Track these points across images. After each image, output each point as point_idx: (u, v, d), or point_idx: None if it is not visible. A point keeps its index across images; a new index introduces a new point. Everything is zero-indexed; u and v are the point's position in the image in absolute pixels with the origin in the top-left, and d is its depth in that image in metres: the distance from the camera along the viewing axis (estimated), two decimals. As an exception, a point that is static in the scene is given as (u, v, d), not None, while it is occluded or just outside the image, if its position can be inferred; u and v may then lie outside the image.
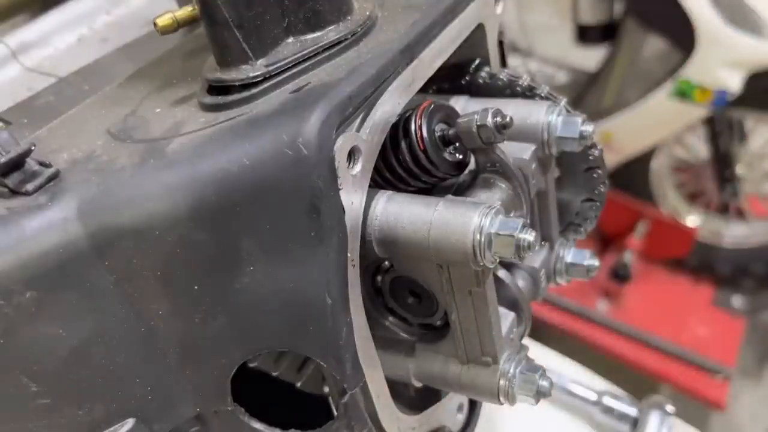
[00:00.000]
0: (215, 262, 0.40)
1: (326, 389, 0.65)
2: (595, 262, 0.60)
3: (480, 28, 0.55)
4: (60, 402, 0.43)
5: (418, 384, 0.53)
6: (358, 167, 0.39)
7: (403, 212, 0.42)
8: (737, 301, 2.16)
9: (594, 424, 0.93)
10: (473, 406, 0.61)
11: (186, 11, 0.46)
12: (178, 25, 0.46)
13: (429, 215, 0.41)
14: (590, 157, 0.56)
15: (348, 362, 0.40)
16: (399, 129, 0.46)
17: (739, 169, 2.13)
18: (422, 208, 0.42)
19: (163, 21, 0.46)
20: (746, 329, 1.86)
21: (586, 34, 2.21)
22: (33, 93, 0.65)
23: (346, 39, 0.45)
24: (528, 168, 0.52)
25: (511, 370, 0.48)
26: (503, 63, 0.61)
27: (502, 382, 0.48)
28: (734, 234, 2.22)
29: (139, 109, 0.50)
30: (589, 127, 0.52)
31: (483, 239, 0.39)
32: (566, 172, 0.59)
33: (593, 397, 0.93)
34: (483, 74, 0.58)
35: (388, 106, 0.42)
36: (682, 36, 1.85)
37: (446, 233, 0.40)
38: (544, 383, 0.48)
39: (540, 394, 0.48)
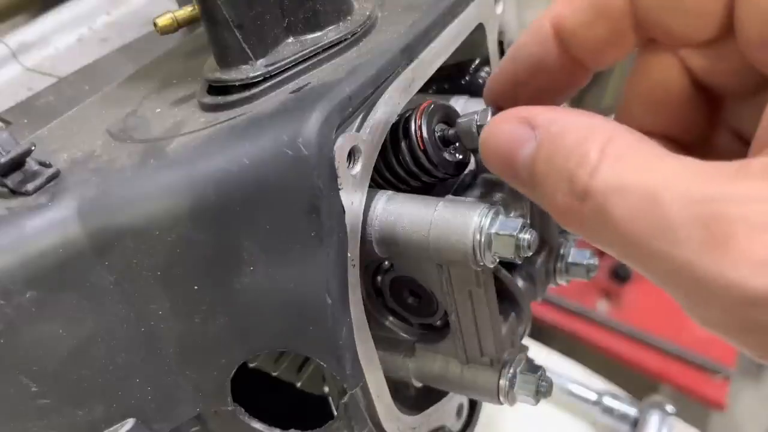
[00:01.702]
0: (215, 262, 0.40)
1: (326, 389, 0.65)
2: (595, 262, 0.60)
3: (480, 28, 0.55)
4: (60, 402, 0.43)
5: (418, 384, 0.53)
6: (358, 167, 0.39)
7: (403, 212, 0.42)
8: (737, 301, 2.15)
9: (594, 424, 0.93)
10: (473, 406, 0.61)
11: (186, 11, 0.46)
12: (178, 25, 0.46)
13: (429, 215, 0.41)
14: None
15: (348, 362, 0.40)
16: (399, 129, 0.46)
17: (739, 169, 2.13)
18: (422, 208, 0.42)
19: (163, 21, 0.46)
20: (746, 329, 1.86)
21: (586, 34, 2.20)
22: (33, 93, 0.65)
23: (346, 39, 0.45)
24: (528, 168, 0.52)
25: (511, 370, 0.48)
26: (503, 63, 0.61)
27: (502, 382, 0.48)
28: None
29: (139, 109, 0.50)
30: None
31: (483, 239, 0.39)
32: (566, 172, 0.59)
33: (593, 397, 0.93)
34: (483, 74, 0.58)
35: (388, 106, 0.42)
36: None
37: (446, 233, 0.40)
38: (544, 383, 0.48)
39: (540, 394, 0.48)
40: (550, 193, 0.30)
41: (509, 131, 0.33)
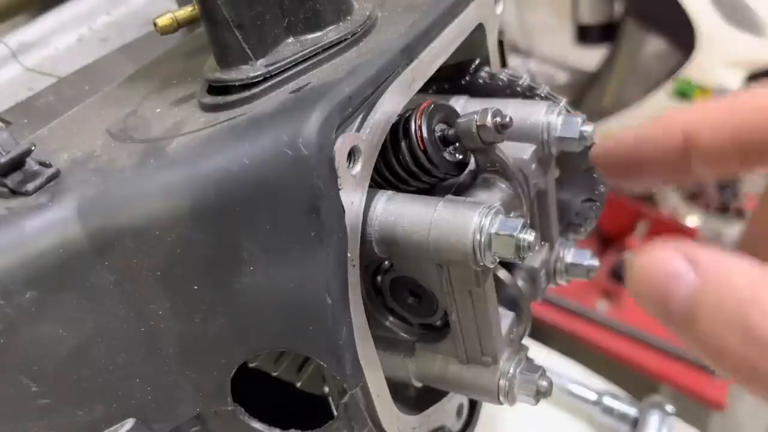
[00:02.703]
0: (215, 262, 0.40)
1: (326, 389, 0.65)
2: (595, 263, 0.60)
3: (480, 28, 0.55)
4: (60, 402, 0.43)
5: (418, 384, 0.53)
6: (358, 167, 0.39)
7: (403, 212, 0.42)
8: (737, 301, 2.14)
9: (594, 425, 0.93)
10: (473, 406, 0.61)
11: (186, 11, 0.46)
12: (178, 25, 0.46)
13: (429, 215, 0.41)
14: (590, 157, 0.56)
15: (348, 362, 0.40)
16: (399, 129, 0.46)
17: (740, 169, 2.13)
18: (422, 208, 0.42)
19: (163, 21, 0.46)
20: (746, 329, 1.86)
21: (586, 34, 2.21)
22: (33, 93, 0.65)
23: (346, 39, 0.45)
24: (528, 168, 0.52)
25: (511, 370, 0.48)
26: (503, 63, 0.61)
27: (502, 382, 0.48)
28: (734, 234, 2.22)
29: (139, 109, 0.50)
30: (588, 127, 0.52)
31: (483, 239, 0.39)
32: (566, 172, 0.59)
33: (593, 397, 0.93)
34: (483, 74, 0.58)
35: (388, 106, 0.42)
36: (682, 36, 1.85)
37: (446, 233, 0.40)
38: (544, 383, 0.48)
39: (540, 394, 0.48)
40: (716, 339, 0.29)
41: (667, 263, 0.31)
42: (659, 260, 0.31)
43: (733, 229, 2.22)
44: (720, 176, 0.35)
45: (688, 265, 0.30)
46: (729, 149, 0.33)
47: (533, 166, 0.52)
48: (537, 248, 0.56)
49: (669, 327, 0.32)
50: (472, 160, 0.49)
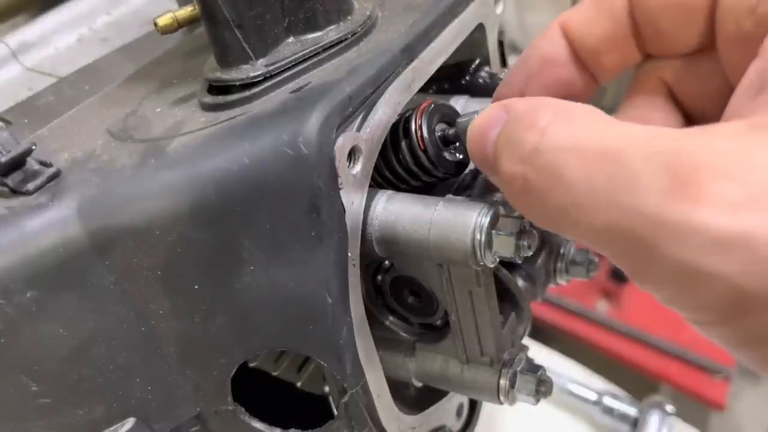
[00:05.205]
0: (215, 262, 0.40)
1: (326, 389, 0.65)
2: (596, 260, 0.60)
3: (480, 28, 0.55)
4: (60, 402, 0.43)
5: (418, 384, 0.53)
6: (358, 167, 0.39)
7: (403, 212, 0.42)
8: (737, 301, 2.14)
9: (594, 424, 0.93)
10: (473, 406, 0.61)
11: (186, 11, 0.46)
12: (178, 25, 0.46)
13: (429, 215, 0.41)
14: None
15: (348, 362, 0.40)
16: (399, 129, 0.46)
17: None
18: (422, 207, 0.42)
19: (164, 21, 0.46)
20: (746, 329, 1.86)
21: (586, 34, 2.20)
22: (33, 93, 0.65)
23: (346, 39, 0.45)
24: (528, 168, 0.52)
25: (511, 370, 0.48)
26: (503, 63, 0.61)
27: (502, 381, 0.48)
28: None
29: (140, 108, 0.50)
30: (589, 127, 0.52)
31: (483, 238, 0.39)
32: (566, 171, 0.59)
33: (593, 397, 0.93)
34: (483, 74, 0.58)
35: (389, 105, 0.42)
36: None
37: (446, 232, 0.40)
38: (544, 383, 0.48)
39: (540, 394, 0.48)
40: (507, 168, 0.29)
41: (486, 115, 0.34)
42: (483, 115, 0.34)
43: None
44: (608, 67, 0.37)
45: (504, 112, 0.32)
46: (595, 21, 0.35)
47: (533, 165, 0.52)
48: (537, 247, 0.56)
49: (490, 176, 0.33)
50: (472, 159, 0.49)
